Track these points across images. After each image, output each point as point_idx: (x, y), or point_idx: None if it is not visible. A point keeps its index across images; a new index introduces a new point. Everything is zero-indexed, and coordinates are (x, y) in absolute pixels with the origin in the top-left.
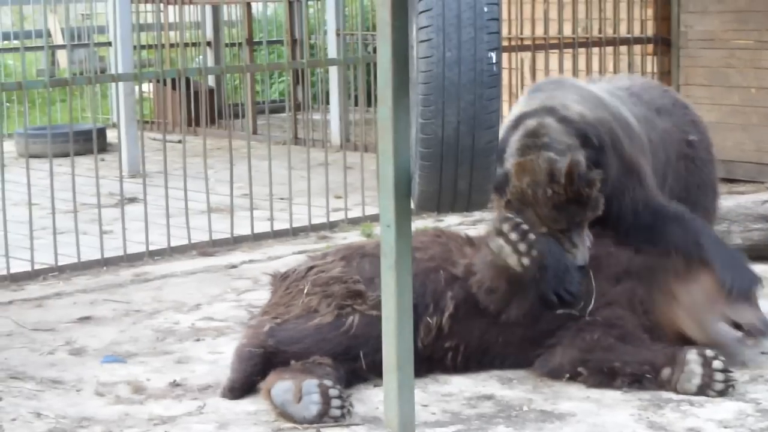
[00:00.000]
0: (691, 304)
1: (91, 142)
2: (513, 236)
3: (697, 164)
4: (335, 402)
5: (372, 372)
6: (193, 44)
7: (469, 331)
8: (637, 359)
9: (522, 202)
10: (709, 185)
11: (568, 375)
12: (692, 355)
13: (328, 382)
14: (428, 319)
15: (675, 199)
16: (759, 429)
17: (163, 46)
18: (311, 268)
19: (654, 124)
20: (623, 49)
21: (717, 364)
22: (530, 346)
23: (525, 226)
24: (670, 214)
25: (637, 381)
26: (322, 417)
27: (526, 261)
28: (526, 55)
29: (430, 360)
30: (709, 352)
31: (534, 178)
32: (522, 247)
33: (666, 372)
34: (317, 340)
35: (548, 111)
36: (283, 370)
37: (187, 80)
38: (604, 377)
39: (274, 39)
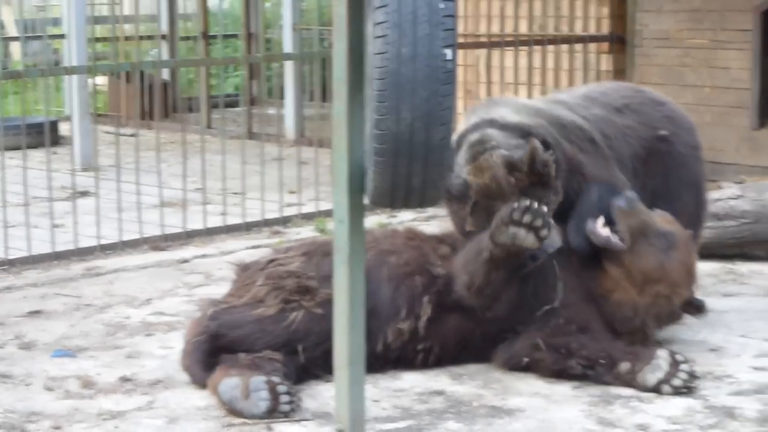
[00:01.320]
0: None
1: (43, 134)
2: (527, 218)
3: (676, 160)
4: (284, 398)
5: (312, 368)
6: (149, 37)
7: (447, 333)
8: (595, 347)
9: (488, 197)
10: (690, 182)
11: (526, 360)
12: (662, 353)
13: (276, 379)
14: (400, 325)
15: (656, 196)
16: (707, 425)
17: (117, 38)
18: (271, 261)
19: (612, 122)
20: (579, 47)
21: (684, 366)
22: (506, 336)
23: (535, 204)
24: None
25: (591, 367)
26: (272, 413)
27: (545, 233)
28: (482, 53)
29: (397, 361)
30: (679, 356)
31: (493, 172)
32: (539, 222)
33: (624, 366)
34: (258, 329)
35: (488, 123)
36: (230, 366)
37: (142, 74)
38: (560, 357)
39: (230, 33)
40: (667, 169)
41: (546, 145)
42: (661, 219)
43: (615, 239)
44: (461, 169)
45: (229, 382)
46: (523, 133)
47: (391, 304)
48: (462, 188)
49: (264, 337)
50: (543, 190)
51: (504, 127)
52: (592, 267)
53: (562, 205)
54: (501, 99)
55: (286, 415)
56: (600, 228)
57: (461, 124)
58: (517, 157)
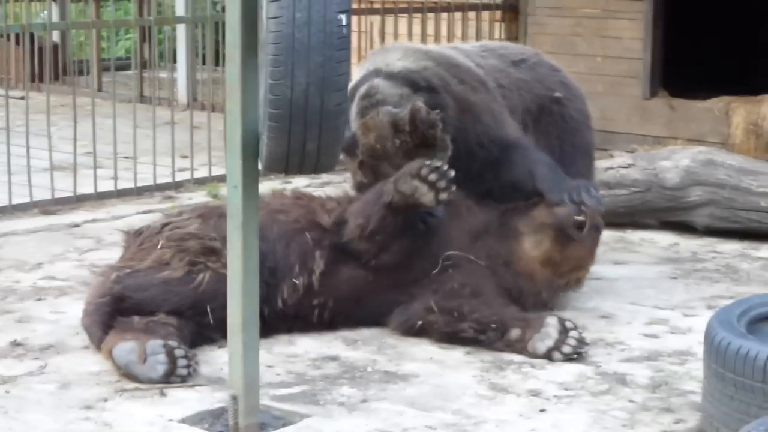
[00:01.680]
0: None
1: None
2: (432, 177)
3: (569, 123)
4: (181, 362)
5: (219, 330)
6: None
7: (340, 285)
8: (487, 312)
9: (374, 158)
10: (583, 148)
11: (420, 322)
12: (552, 320)
13: (173, 343)
14: (294, 280)
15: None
16: (598, 391)
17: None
18: (166, 224)
19: (507, 73)
20: (472, 15)
21: (573, 333)
22: (399, 294)
23: (444, 167)
24: (510, 143)
25: (482, 332)
26: (169, 377)
27: (443, 196)
28: (376, 19)
29: (294, 318)
30: (568, 323)
31: (379, 133)
32: (442, 184)
33: (515, 333)
34: (164, 291)
35: (374, 73)
36: (124, 330)
37: (32, 36)
38: (452, 320)
39: None
40: (560, 133)
41: (432, 90)
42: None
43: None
44: (353, 122)
45: (125, 346)
46: (410, 81)
47: (284, 261)
48: (351, 143)
49: (171, 299)
50: (428, 150)
51: (391, 76)
52: (507, 235)
53: (455, 152)
54: (393, 45)
55: (183, 380)
56: (572, 211)
57: (355, 73)
58: (402, 116)
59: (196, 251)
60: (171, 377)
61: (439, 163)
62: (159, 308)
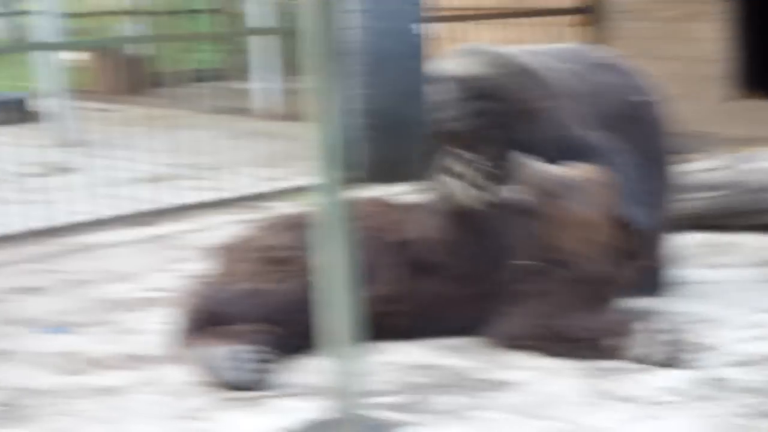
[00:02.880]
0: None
1: (9, 111)
2: (458, 168)
3: (645, 131)
4: (267, 366)
5: (307, 339)
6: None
7: (423, 296)
8: (578, 325)
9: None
10: (659, 152)
11: (524, 341)
12: (640, 325)
13: (263, 349)
14: (379, 289)
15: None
16: (703, 396)
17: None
18: (253, 236)
19: (584, 78)
20: (549, 20)
21: (666, 337)
22: (483, 302)
23: (482, 163)
24: (578, 146)
25: (574, 346)
26: (259, 384)
27: (485, 196)
28: (449, 26)
29: (379, 327)
30: (658, 326)
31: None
32: (479, 182)
33: (606, 341)
34: (254, 302)
35: (439, 78)
36: (213, 338)
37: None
38: (541, 337)
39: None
40: (640, 139)
41: (493, 97)
42: (566, 170)
43: (524, 198)
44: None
45: (214, 352)
46: (472, 87)
47: (368, 269)
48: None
49: (260, 311)
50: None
51: (454, 81)
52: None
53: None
54: (468, 48)
55: (273, 388)
56: (509, 192)
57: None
58: (458, 125)
59: (283, 261)
60: (261, 384)
61: (472, 157)
62: (249, 320)
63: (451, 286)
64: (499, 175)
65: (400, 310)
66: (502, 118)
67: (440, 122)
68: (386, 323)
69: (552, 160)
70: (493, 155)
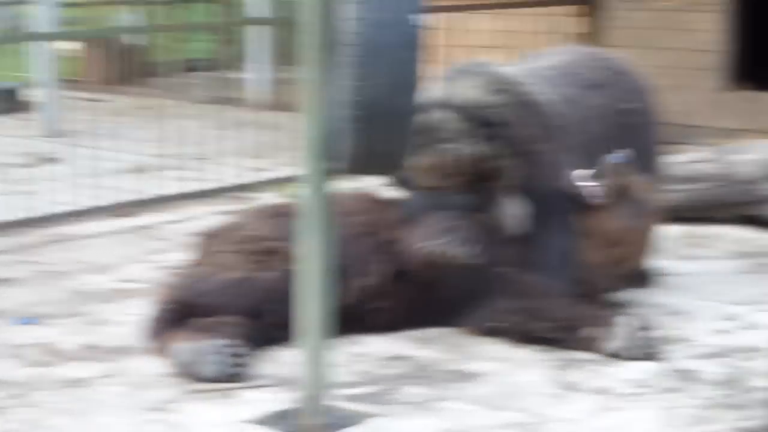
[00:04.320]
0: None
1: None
2: (453, 238)
3: (636, 132)
4: (244, 361)
5: (283, 330)
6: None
7: (406, 289)
8: (557, 311)
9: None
10: (648, 150)
11: (490, 324)
12: (621, 318)
13: (234, 342)
14: (360, 281)
15: None
16: (668, 389)
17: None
18: (234, 226)
19: (584, 103)
20: (548, 9)
21: (643, 331)
22: (466, 297)
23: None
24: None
25: (552, 331)
26: (231, 377)
27: (474, 251)
28: (446, 16)
29: (359, 319)
30: (638, 321)
31: (435, 170)
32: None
33: (584, 331)
34: (230, 293)
35: (438, 103)
36: (186, 331)
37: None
38: (522, 320)
39: None
40: (631, 142)
41: (495, 129)
42: (641, 185)
43: (597, 192)
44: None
45: (186, 346)
46: (474, 117)
47: (350, 262)
48: (406, 175)
49: (236, 301)
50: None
51: (454, 109)
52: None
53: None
54: (469, 66)
55: (245, 380)
56: (586, 178)
57: (432, 88)
58: (460, 156)
59: (263, 252)
60: (233, 377)
61: (452, 222)
62: (225, 311)
63: (433, 290)
64: (486, 225)
65: (388, 305)
66: (501, 155)
67: (437, 152)
68: (366, 315)
69: (536, 202)
70: (485, 191)
